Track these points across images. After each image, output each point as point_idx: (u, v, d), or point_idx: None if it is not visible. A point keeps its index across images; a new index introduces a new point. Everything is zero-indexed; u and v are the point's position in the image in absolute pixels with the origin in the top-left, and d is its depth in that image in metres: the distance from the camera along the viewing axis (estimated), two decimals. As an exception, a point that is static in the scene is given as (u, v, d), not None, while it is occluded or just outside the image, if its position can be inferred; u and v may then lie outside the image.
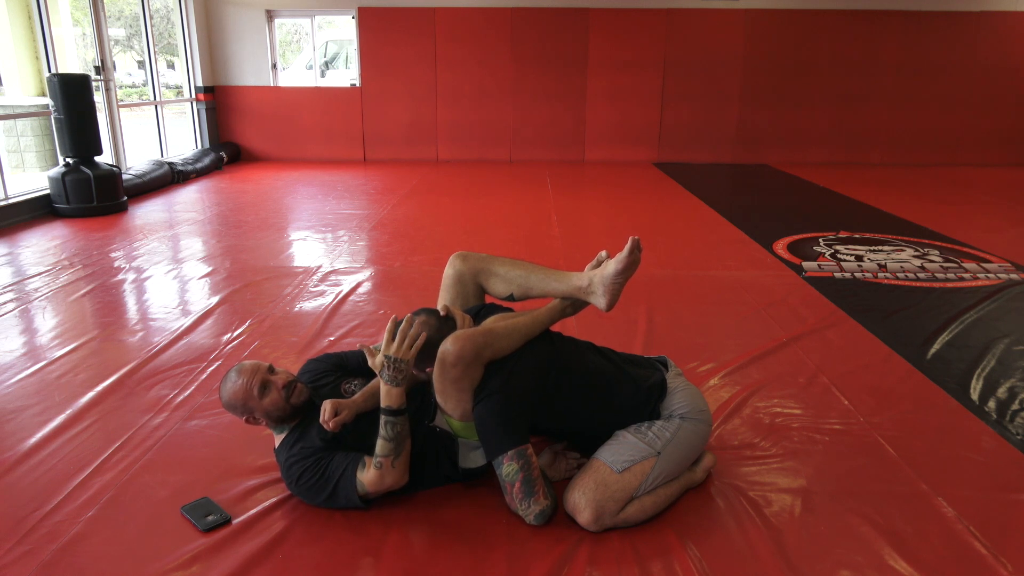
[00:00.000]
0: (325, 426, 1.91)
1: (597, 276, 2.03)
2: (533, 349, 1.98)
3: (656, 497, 1.93)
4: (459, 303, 2.20)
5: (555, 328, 2.23)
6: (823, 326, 3.41)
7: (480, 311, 2.12)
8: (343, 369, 2.25)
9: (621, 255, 1.99)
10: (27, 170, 7.58)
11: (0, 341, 3.24)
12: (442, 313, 1.97)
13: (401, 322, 1.84)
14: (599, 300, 2.05)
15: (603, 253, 2.08)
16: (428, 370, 1.92)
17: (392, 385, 1.84)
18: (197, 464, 2.21)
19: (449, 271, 2.21)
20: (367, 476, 1.88)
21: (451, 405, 1.92)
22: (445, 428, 2.04)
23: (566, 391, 1.98)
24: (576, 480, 1.90)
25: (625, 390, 2.03)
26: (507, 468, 1.84)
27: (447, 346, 1.83)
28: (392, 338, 1.83)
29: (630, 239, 1.99)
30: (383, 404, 1.86)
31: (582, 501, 1.85)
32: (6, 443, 2.34)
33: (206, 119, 9.42)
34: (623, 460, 1.90)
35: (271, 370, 2.00)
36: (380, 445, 1.87)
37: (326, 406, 1.93)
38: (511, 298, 2.20)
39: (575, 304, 2.15)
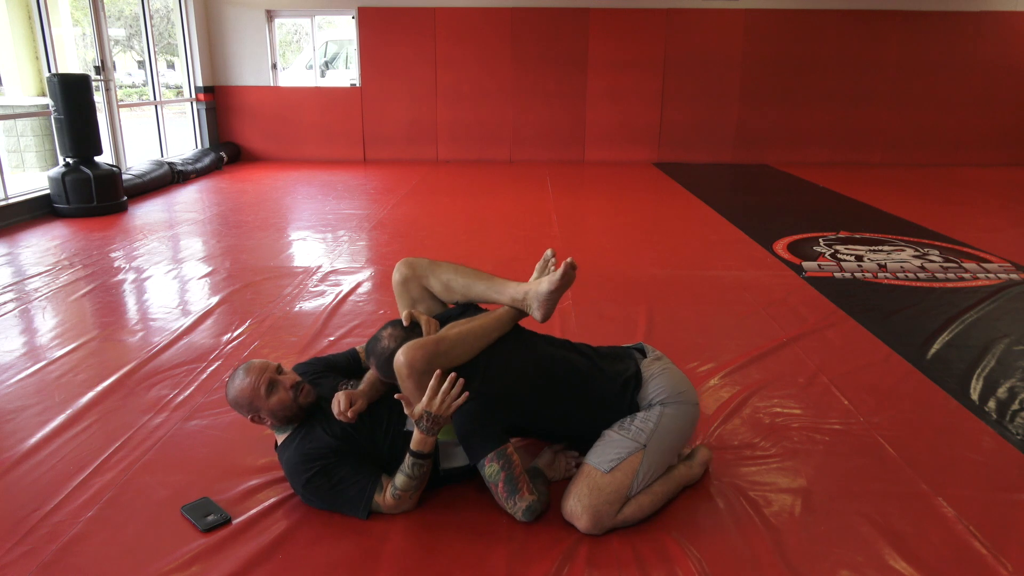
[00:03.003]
0: (343, 418, 1.93)
1: (532, 291, 2.03)
2: (505, 349, 1.99)
3: (653, 496, 1.93)
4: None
5: (545, 330, 2.23)
6: (823, 326, 3.41)
7: (465, 311, 2.12)
8: (334, 370, 2.26)
9: (554, 277, 1.98)
10: (27, 170, 7.58)
11: (0, 341, 3.24)
12: (405, 323, 1.98)
13: (445, 379, 1.86)
14: (535, 313, 2.05)
15: (548, 252, 2.06)
16: (391, 381, 1.96)
17: (427, 435, 1.88)
18: (197, 464, 2.21)
19: (396, 276, 2.19)
20: (384, 501, 1.93)
21: None
22: None
23: (542, 389, 1.98)
24: (570, 488, 1.91)
25: (602, 385, 2.02)
26: (489, 469, 1.87)
27: (399, 357, 1.84)
28: (434, 395, 1.84)
29: (564, 263, 1.98)
30: (415, 448, 1.89)
31: (578, 508, 1.85)
32: (6, 443, 2.34)
33: (206, 119, 9.42)
34: (609, 460, 1.90)
35: (279, 370, 2.01)
36: (403, 481, 1.91)
37: (340, 397, 1.95)
38: (456, 305, 2.20)
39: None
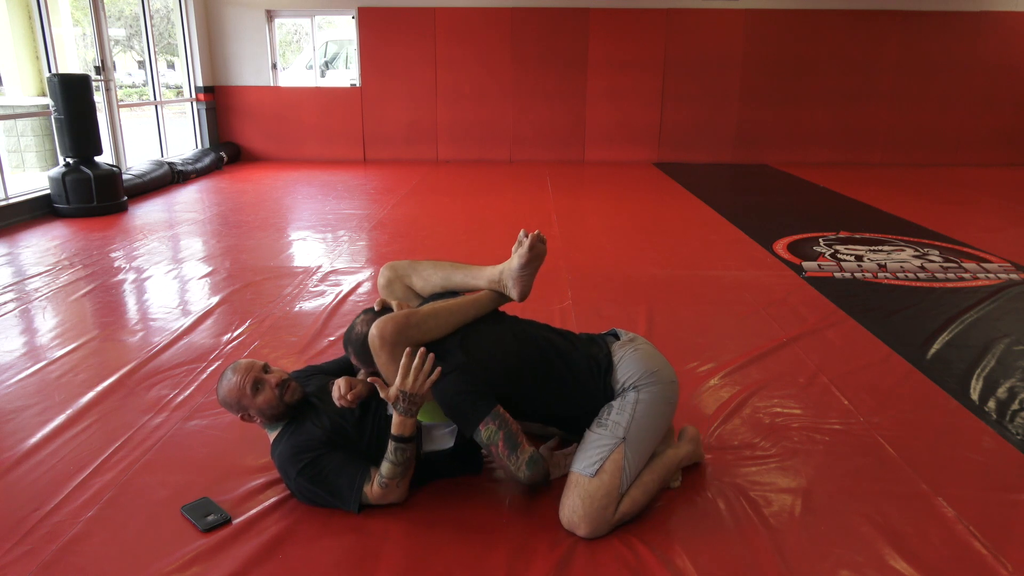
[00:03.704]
0: (342, 402, 1.95)
1: (506, 269, 2.05)
2: (483, 324, 2.02)
3: (644, 486, 1.92)
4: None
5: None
6: (823, 326, 3.41)
7: (440, 298, 2.14)
8: (324, 373, 2.28)
9: (523, 250, 1.99)
10: (27, 170, 7.58)
11: (0, 341, 3.24)
12: (377, 308, 2.02)
13: (415, 357, 1.87)
14: (512, 292, 2.07)
15: (522, 232, 2.06)
16: (371, 369, 1.97)
17: (406, 416, 1.89)
18: (197, 464, 2.21)
19: (380, 280, 2.23)
20: (372, 492, 1.93)
21: None
22: None
23: (522, 361, 1.98)
24: (563, 499, 1.90)
25: (578, 364, 2.02)
26: (486, 432, 1.86)
27: (371, 331, 1.86)
28: (407, 373, 1.85)
29: (531, 235, 1.99)
30: (395, 432, 1.90)
31: (575, 518, 1.85)
32: (6, 443, 2.34)
33: (206, 119, 9.42)
34: (592, 462, 1.89)
35: (265, 369, 2.03)
36: (388, 468, 1.91)
37: (340, 382, 1.97)
38: (439, 298, 2.21)
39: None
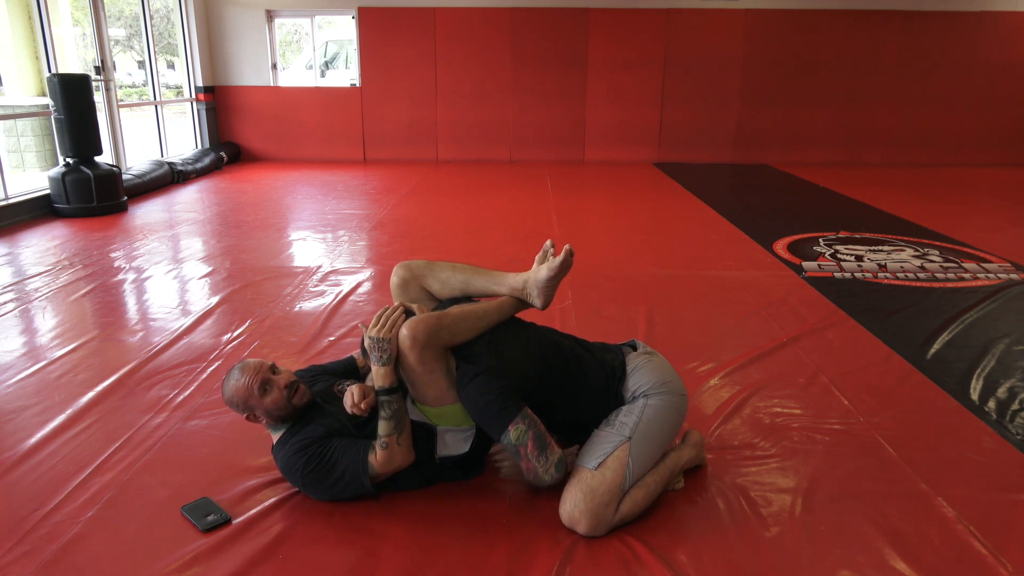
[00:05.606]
0: (355, 410, 1.95)
1: (531, 280, 2.07)
2: (508, 329, 2.04)
3: (647, 488, 1.93)
4: None
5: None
6: (823, 326, 3.41)
7: (457, 303, 2.14)
8: (330, 374, 2.28)
9: (554, 263, 2.02)
10: (27, 170, 7.58)
11: (0, 341, 3.24)
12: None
13: (387, 309, 1.93)
14: (535, 301, 2.09)
15: (548, 243, 2.09)
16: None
17: (380, 365, 1.90)
18: (197, 464, 2.21)
19: (394, 279, 2.22)
20: (377, 459, 1.91)
21: (420, 390, 1.94)
22: (418, 419, 2.03)
23: (545, 364, 2.00)
24: (565, 493, 1.90)
25: (593, 370, 2.04)
26: (515, 433, 1.87)
27: (402, 331, 1.88)
28: (377, 321, 1.90)
29: (563, 248, 2.03)
30: (377, 385, 1.91)
31: (576, 513, 1.85)
32: (6, 443, 2.34)
33: (206, 119, 9.42)
34: (596, 456, 1.90)
35: (273, 369, 2.01)
36: (382, 426, 1.91)
37: (353, 390, 1.97)
38: (455, 302, 2.21)
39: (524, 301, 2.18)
